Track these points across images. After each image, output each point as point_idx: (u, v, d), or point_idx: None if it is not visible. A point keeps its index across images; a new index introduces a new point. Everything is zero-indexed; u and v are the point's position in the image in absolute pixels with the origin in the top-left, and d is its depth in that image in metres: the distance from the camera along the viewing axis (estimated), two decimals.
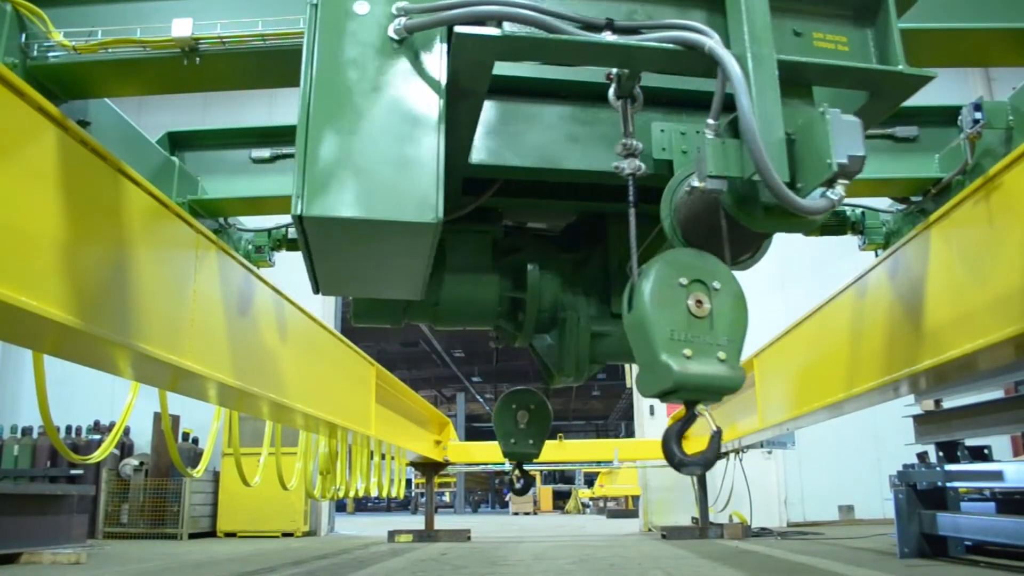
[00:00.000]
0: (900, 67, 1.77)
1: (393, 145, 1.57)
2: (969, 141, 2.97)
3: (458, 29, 1.59)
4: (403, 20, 1.64)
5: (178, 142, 3.58)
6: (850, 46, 1.85)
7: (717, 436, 1.63)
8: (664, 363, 1.50)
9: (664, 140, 1.88)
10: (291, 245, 3.91)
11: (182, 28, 2.31)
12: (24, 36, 2.38)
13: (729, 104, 1.59)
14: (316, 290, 1.98)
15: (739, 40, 1.68)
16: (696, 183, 1.59)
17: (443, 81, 1.66)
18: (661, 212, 1.76)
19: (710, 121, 1.61)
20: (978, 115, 2.88)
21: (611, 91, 1.80)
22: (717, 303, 1.58)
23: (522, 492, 3.74)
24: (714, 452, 1.64)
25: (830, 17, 1.87)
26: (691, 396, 1.57)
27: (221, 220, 3.72)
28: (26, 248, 2.09)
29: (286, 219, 3.24)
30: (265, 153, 3.52)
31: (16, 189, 2.06)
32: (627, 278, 1.70)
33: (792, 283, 10.15)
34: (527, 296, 2.41)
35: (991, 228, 2.41)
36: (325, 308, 10.91)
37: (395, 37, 1.64)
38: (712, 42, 1.62)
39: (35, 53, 2.39)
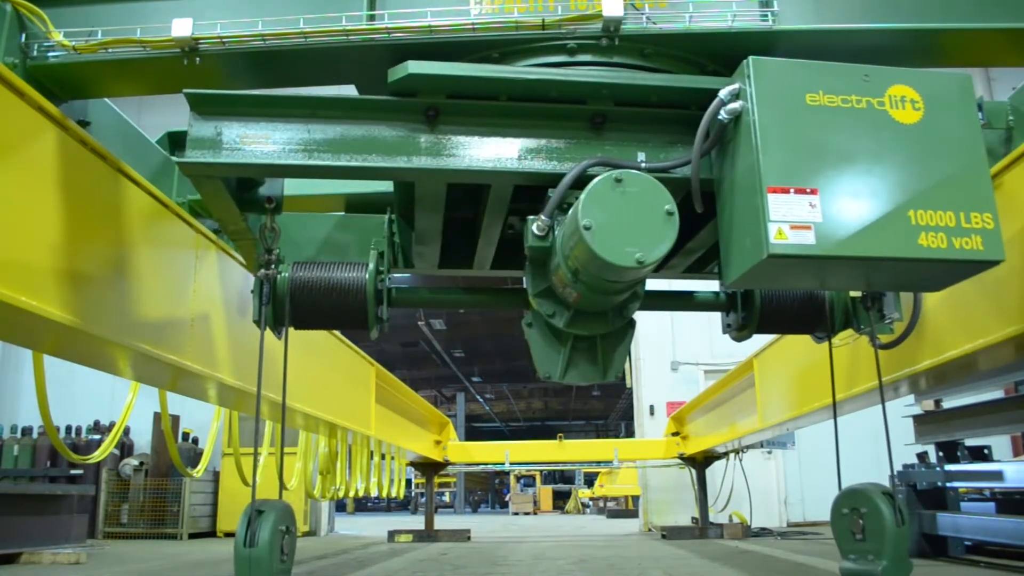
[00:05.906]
0: None
1: None
2: None
3: None
4: None
5: (178, 142, 3.58)
6: None
7: None
8: None
9: None
10: None
11: (182, 28, 2.31)
12: (24, 36, 2.38)
13: None
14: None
15: None
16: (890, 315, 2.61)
17: None
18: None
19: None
20: (978, 115, 2.87)
21: None
22: None
23: None
24: None
25: None
26: None
27: None
28: (26, 248, 2.09)
29: None
30: None
31: (16, 189, 2.06)
32: None
33: None
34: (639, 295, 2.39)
35: None
36: None
37: None
38: None
39: (35, 53, 2.39)
